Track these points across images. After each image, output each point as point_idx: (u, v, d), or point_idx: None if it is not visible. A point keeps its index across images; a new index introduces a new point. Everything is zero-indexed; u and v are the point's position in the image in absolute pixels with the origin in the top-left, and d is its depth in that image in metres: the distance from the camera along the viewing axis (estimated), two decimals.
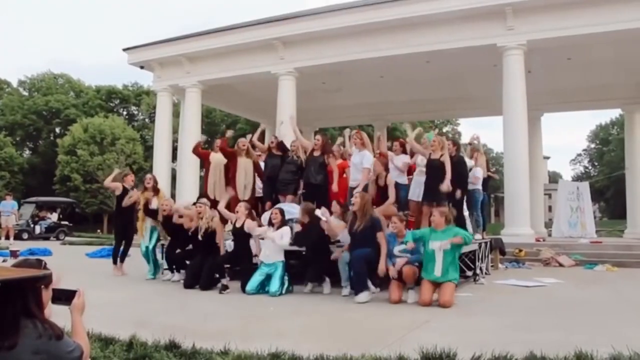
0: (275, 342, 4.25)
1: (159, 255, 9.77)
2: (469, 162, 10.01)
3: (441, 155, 8.59)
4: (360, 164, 8.99)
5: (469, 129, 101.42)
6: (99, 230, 35.25)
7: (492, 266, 11.02)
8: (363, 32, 15.78)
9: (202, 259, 8.30)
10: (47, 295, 2.15)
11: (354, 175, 9.15)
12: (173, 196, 16.33)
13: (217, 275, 8.11)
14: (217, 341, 4.31)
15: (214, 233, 8.40)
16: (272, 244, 7.85)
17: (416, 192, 9.06)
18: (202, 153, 11.40)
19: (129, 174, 10.91)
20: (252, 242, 8.29)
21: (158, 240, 9.84)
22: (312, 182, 9.43)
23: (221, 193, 9.80)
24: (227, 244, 8.90)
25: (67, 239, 22.73)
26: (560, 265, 12.08)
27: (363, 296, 7.02)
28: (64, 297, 2.28)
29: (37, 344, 1.95)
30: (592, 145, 70.48)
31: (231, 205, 8.86)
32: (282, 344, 4.24)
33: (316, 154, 9.52)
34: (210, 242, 8.36)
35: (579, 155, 75.12)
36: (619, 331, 5.18)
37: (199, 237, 8.42)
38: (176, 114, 23.58)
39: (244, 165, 10.16)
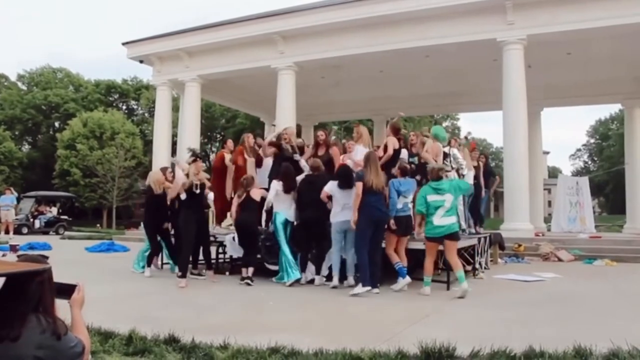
0: (274, 337, 4.26)
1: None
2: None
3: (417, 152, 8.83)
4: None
5: (468, 123, 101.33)
6: (98, 225, 35.22)
7: (491, 261, 11.05)
8: (363, 27, 15.76)
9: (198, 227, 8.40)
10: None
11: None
12: None
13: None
14: (217, 335, 4.32)
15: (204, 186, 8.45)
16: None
17: None
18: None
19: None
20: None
21: None
22: None
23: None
24: (228, 239, 8.98)
25: (67, 233, 22.68)
26: (560, 260, 12.10)
27: (359, 289, 7.10)
28: (64, 291, 2.27)
29: (41, 339, 1.95)
30: (592, 140, 70.46)
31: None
32: (281, 338, 4.24)
33: (321, 151, 9.20)
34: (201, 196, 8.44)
35: (579, 150, 75.10)
36: (618, 326, 5.19)
37: (196, 192, 8.34)
38: (176, 108, 23.57)
39: (251, 165, 9.84)
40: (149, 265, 9.20)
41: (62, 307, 2.26)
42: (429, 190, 7.31)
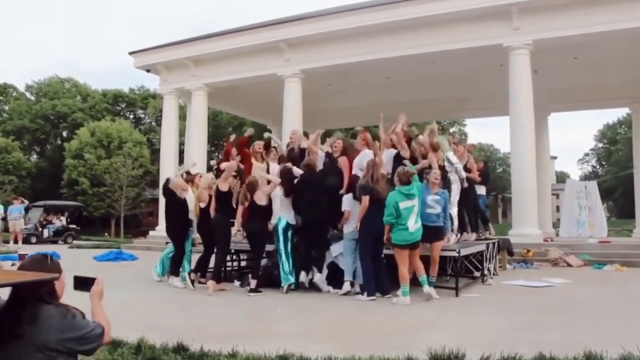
0: (282, 344, 4.25)
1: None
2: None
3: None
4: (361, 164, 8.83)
5: (475, 129, 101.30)
6: (106, 234, 35.32)
7: (500, 267, 10.98)
8: (369, 34, 15.79)
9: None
10: (60, 285, 2.28)
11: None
12: None
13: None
14: (225, 343, 4.31)
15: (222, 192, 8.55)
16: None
17: None
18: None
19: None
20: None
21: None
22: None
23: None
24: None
25: (75, 242, 22.72)
26: (569, 265, 12.02)
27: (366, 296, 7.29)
28: (85, 284, 2.45)
29: (63, 323, 2.10)
30: (600, 145, 70.10)
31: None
32: (289, 345, 4.24)
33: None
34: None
35: (587, 154, 74.70)
36: (629, 331, 5.15)
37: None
38: (183, 116, 23.66)
39: (258, 170, 9.58)
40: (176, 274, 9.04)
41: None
42: (400, 197, 7.08)
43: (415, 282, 7.46)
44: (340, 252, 8.10)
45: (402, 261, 7.11)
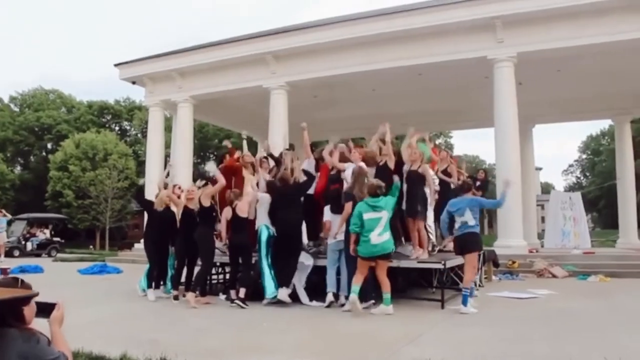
0: (269, 359, 4.21)
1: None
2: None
3: (419, 167, 8.51)
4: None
5: (461, 141, 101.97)
6: (91, 246, 34.99)
7: (485, 278, 11.01)
8: (355, 46, 15.86)
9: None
10: (29, 309, 2.17)
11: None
12: None
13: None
14: (210, 358, 4.27)
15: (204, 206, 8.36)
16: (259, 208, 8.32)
17: None
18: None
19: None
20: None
21: None
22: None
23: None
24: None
25: (59, 255, 22.49)
26: (554, 276, 12.09)
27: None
28: (44, 310, 2.31)
29: (25, 348, 2.00)
30: (584, 156, 70.87)
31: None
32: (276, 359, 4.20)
33: (334, 171, 8.77)
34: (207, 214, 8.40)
35: (571, 166, 75.55)
36: (613, 342, 5.17)
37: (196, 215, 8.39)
38: (168, 128, 23.57)
39: (251, 182, 9.35)
40: (156, 287, 8.90)
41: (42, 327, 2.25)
42: (366, 208, 7.06)
43: (396, 295, 7.46)
44: (302, 261, 8.12)
45: (360, 269, 7.09)
